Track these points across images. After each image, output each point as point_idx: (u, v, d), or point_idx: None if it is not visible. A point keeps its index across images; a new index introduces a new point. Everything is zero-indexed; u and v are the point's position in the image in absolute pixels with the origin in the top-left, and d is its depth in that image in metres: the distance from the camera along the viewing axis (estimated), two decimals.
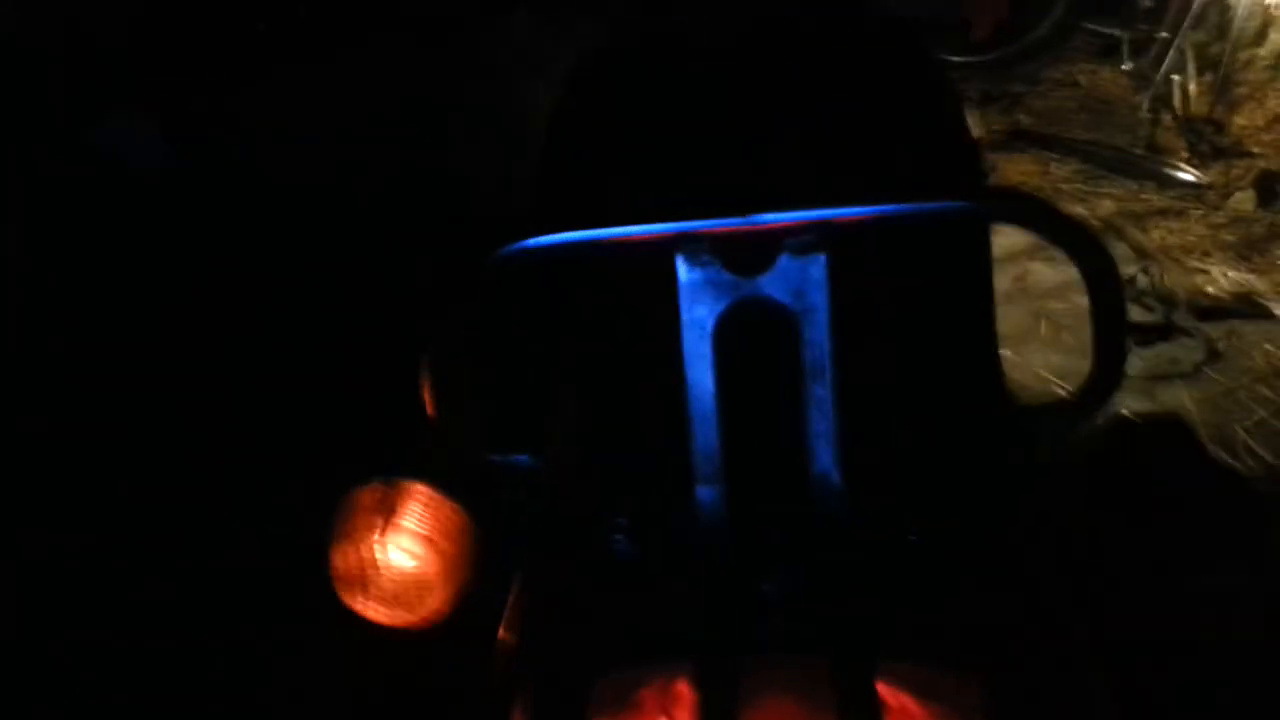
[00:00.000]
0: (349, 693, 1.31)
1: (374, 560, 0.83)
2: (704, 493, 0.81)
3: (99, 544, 2.00)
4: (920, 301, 0.94)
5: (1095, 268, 0.90)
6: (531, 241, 0.82)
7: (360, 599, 0.85)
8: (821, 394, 0.82)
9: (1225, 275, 2.59)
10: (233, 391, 2.30)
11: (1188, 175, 2.94)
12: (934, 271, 0.94)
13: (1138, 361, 2.34)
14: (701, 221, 0.80)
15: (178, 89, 3.00)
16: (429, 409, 0.84)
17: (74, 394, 2.31)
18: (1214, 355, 2.36)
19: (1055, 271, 2.66)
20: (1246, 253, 2.65)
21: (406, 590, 0.83)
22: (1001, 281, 2.66)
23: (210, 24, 3.12)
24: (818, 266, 0.81)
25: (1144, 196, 2.92)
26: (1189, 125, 3.15)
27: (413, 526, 0.83)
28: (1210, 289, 2.56)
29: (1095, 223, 2.79)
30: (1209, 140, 3.12)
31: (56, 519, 2.05)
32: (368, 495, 0.85)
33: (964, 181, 0.98)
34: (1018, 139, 3.19)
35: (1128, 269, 2.60)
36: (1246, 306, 2.51)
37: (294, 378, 2.25)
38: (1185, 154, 3.06)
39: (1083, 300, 2.34)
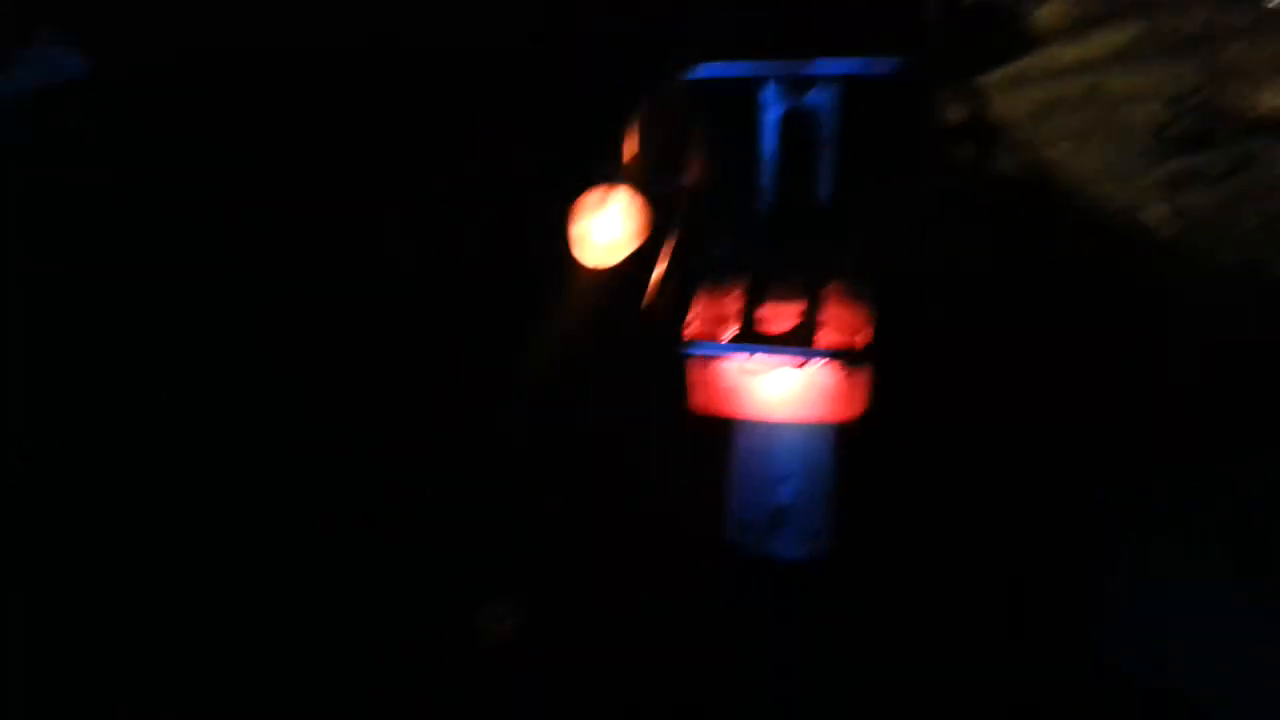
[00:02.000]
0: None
1: (592, 225, 1.53)
2: (764, 198, 1.48)
3: None
4: (884, 113, 1.55)
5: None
6: (707, 71, 1.45)
7: (582, 249, 1.56)
8: (828, 155, 1.46)
9: (1278, 99, 2.96)
10: None
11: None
12: (893, 96, 1.55)
13: (1170, 165, 2.81)
14: (788, 64, 1.43)
15: None
16: (631, 153, 1.52)
17: None
18: (1242, 166, 2.80)
19: (1127, 81, 3.09)
20: None
21: (609, 244, 1.54)
22: (1075, 87, 3.12)
23: None
24: (833, 91, 1.43)
25: (1231, 17, 3.21)
26: None
27: (616, 210, 1.53)
28: (1259, 109, 2.94)
29: (1177, 39, 3.15)
30: None
31: None
32: (593, 190, 1.55)
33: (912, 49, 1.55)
34: None
35: (1191, 85, 3.00)
36: None
37: None
38: None
39: (1149, 108, 2.89)
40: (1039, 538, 2.02)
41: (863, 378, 1.42)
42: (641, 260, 1.57)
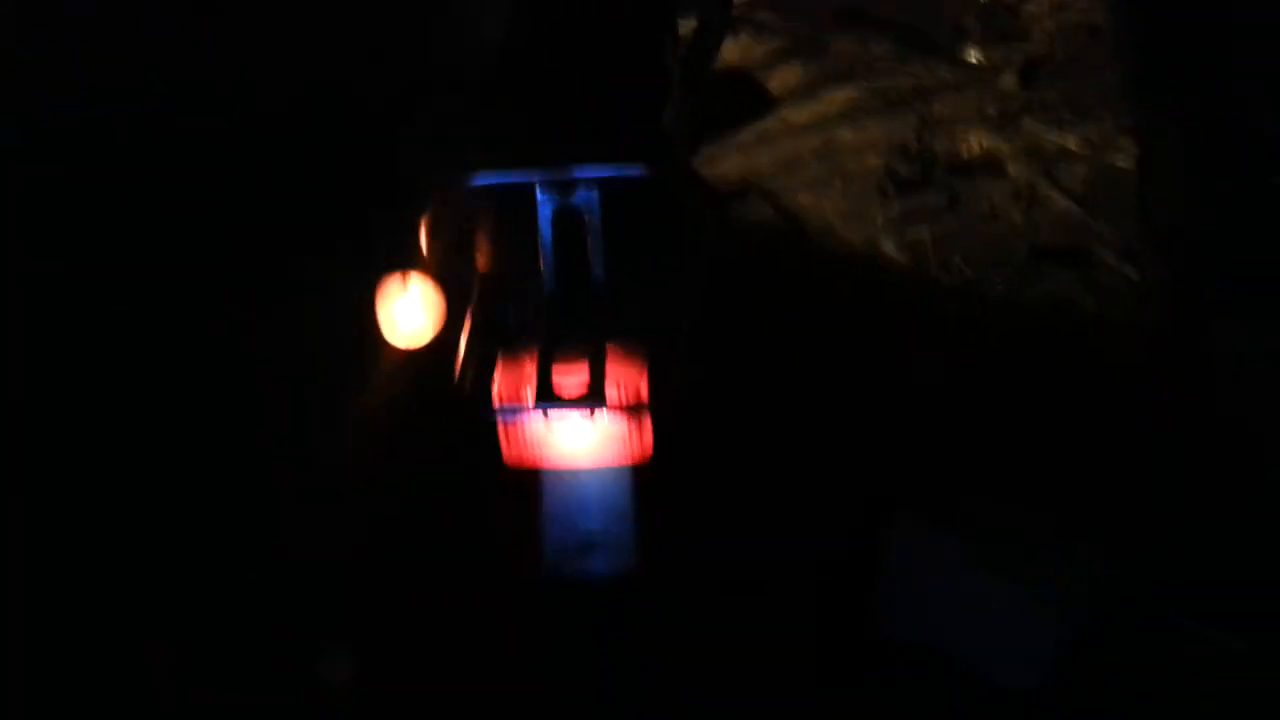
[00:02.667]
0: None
1: (394, 311, 1.73)
2: (547, 280, 1.75)
3: None
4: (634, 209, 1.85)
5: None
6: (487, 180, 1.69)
7: (389, 332, 1.75)
8: (596, 240, 1.73)
9: (980, 143, 3.45)
10: None
11: (972, 57, 3.76)
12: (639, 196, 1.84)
13: (896, 206, 3.25)
14: (551, 172, 1.70)
15: None
16: (425, 245, 1.74)
17: None
18: (954, 203, 3.26)
19: (855, 134, 3.53)
20: (1001, 125, 3.51)
21: (413, 327, 1.74)
22: (811, 142, 3.53)
23: None
24: (595, 192, 1.71)
25: (938, 74, 3.72)
26: (986, 10, 3.94)
27: (415, 296, 1.73)
28: (965, 153, 3.43)
29: (894, 95, 3.63)
30: (999, 25, 3.92)
31: None
32: (391, 279, 1.74)
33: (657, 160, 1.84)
34: (849, 18, 3.96)
35: (909, 135, 3.47)
36: (989, 167, 3.40)
37: None
38: (978, 36, 3.86)
39: (875, 160, 3.29)
40: (824, 539, 2.36)
41: (647, 423, 1.69)
42: (445, 339, 1.79)
